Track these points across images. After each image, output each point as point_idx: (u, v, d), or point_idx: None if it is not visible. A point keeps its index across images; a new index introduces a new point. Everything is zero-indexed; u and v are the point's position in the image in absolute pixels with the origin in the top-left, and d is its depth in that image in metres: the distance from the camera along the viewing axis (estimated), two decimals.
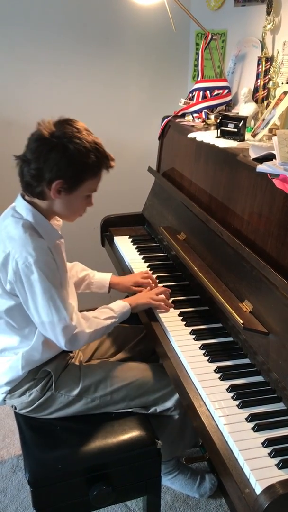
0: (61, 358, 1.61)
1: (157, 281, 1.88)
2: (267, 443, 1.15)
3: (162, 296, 1.70)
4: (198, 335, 1.55)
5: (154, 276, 1.91)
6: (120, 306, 1.65)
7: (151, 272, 1.95)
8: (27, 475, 1.43)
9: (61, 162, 1.36)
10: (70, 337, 1.45)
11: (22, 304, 1.45)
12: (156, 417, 1.65)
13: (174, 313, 1.68)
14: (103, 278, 1.89)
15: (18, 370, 1.52)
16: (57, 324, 1.43)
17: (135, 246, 2.21)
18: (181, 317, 1.65)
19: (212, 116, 2.12)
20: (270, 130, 1.67)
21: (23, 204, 1.46)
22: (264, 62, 1.93)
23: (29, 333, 1.51)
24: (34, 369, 1.55)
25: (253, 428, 1.20)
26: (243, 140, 1.73)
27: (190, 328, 1.59)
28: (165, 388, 1.63)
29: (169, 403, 1.63)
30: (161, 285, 1.85)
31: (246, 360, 1.45)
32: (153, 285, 1.83)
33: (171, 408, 1.64)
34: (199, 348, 1.50)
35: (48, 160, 1.36)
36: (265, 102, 1.92)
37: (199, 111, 2.14)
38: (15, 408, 1.60)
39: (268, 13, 1.89)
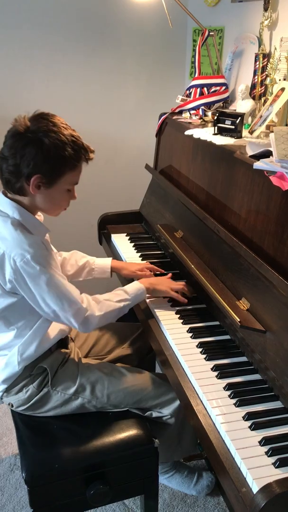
0: (57, 353, 1.61)
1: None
2: (264, 441, 1.14)
3: (181, 287, 1.71)
4: (195, 333, 1.55)
5: (152, 273, 1.91)
6: (134, 288, 1.64)
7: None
8: (24, 474, 1.43)
9: (37, 157, 1.35)
10: (82, 320, 1.47)
11: (21, 301, 1.45)
12: (154, 422, 1.64)
13: (171, 311, 1.68)
14: (104, 263, 1.89)
15: (14, 366, 1.52)
16: (68, 309, 1.44)
17: (133, 243, 2.20)
18: (178, 315, 1.65)
19: (209, 113, 2.11)
20: (268, 127, 1.66)
21: (7, 202, 1.44)
22: (261, 59, 1.92)
23: (24, 327, 1.51)
24: (30, 365, 1.55)
25: (250, 427, 1.19)
26: (240, 137, 1.72)
27: (187, 326, 1.58)
28: (163, 397, 1.62)
29: (166, 411, 1.62)
30: None
31: (243, 358, 1.45)
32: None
33: (167, 416, 1.63)
34: (196, 346, 1.50)
35: (24, 155, 1.35)
36: (263, 99, 1.91)
37: (196, 108, 2.13)
38: (12, 406, 1.59)
39: (265, 9, 1.88)
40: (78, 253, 1.88)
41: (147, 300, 1.74)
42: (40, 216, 1.60)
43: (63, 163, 1.40)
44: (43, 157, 1.36)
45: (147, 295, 1.68)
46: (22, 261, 1.37)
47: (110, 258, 1.91)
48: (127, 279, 1.88)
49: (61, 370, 1.59)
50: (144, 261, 2.00)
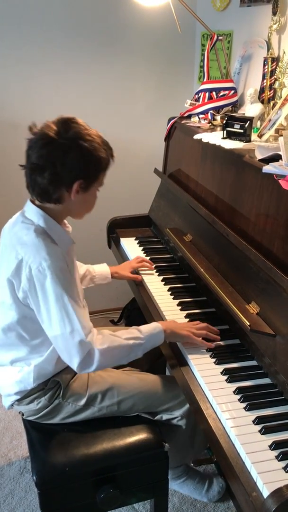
0: (70, 367, 1.55)
1: (162, 280, 1.88)
2: (275, 446, 1.14)
3: (204, 332, 1.53)
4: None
5: (161, 277, 1.92)
6: (150, 327, 1.50)
7: (157, 274, 1.96)
8: (34, 477, 1.43)
9: (80, 163, 1.34)
10: (85, 355, 1.35)
11: (34, 315, 1.41)
12: (164, 424, 1.63)
13: (180, 314, 1.68)
14: (103, 269, 1.93)
15: (29, 383, 1.51)
16: (69, 337, 1.34)
17: (142, 247, 2.20)
18: (188, 319, 1.65)
19: (218, 117, 2.11)
20: (277, 131, 1.66)
21: (33, 209, 1.41)
22: (270, 63, 1.92)
23: (40, 344, 1.48)
24: (44, 380, 1.53)
25: (260, 431, 1.19)
26: (249, 141, 1.72)
27: None
28: (173, 400, 1.61)
29: (177, 413, 1.61)
30: (168, 287, 1.85)
31: (253, 362, 1.45)
32: (152, 266, 1.93)
33: (177, 417, 1.62)
34: (206, 350, 1.50)
35: (65, 163, 1.32)
36: (271, 103, 1.91)
37: (205, 112, 2.14)
38: (23, 415, 1.59)
39: (274, 13, 1.88)
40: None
41: (159, 304, 1.74)
42: (68, 227, 1.58)
43: (100, 165, 1.40)
44: (85, 163, 1.35)
45: (167, 339, 1.52)
46: (37, 269, 1.32)
47: (105, 264, 1.95)
48: (135, 283, 1.88)
49: (72, 381, 1.57)
50: (154, 269, 1.99)
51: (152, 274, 1.96)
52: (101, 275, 1.91)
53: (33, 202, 1.44)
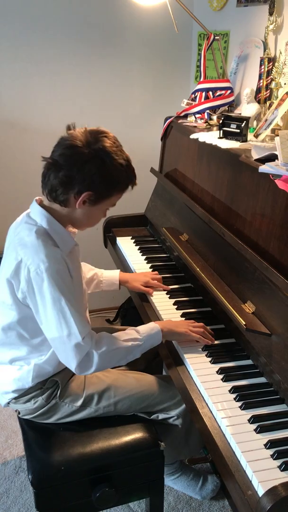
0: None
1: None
2: (270, 444, 1.14)
3: (201, 330, 1.54)
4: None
5: None
6: (148, 327, 1.52)
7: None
8: (30, 476, 1.43)
9: (96, 176, 1.35)
10: (82, 358, 1.37)
11: (34, 315, 1.41)
12: (160, 423, 1.63)
13: (176, 314, 1.68)
14: (112, 275, 1.88)
15: (28, 382, 1.51)
16: (66, 340, 1.35)
17: (138, 247, 2.20)
18: (184, 318, 1.65)
19: (214, 117, 2.12)
20: (273, 131, 1.66)
21: (38, 210, 1.42)
22: (266, 63, 1.92)
23: (41, 343, 1.48)
24: (42, 380, 1.53)
25: (255, 430, 1.19)
26: (245, 140, 1.73)
27: None
28: (170, 400, 1.61)
29: (173, 413, 1.61)
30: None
31: (249, 361, 1.45)
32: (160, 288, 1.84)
33: (173, 417, 1.62)
34: (202, 349, 1.50)
35: (82, 170, 1.34)
36: (268, 103, 1.92)
37: (201, 112, 2.14)
38: (19, 413, 1.59)
39: (271, 14, 1.88)
40: (86, 265, 1.86)
41: (155, 304, 1.74)
42: (74, 229, 1.57)
43: (115, 186, 1.41)
44: (100, 177, 1.36)
45: (165, 338, 1.54)
46: (35, 271, 1.33)
47: (118, 270, 1.90)
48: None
49: (69, 382, 1.57)
50: (151, 269, 1.99)
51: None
52: (108, 281, 1.87)
53: (38, 202, 1.45)
